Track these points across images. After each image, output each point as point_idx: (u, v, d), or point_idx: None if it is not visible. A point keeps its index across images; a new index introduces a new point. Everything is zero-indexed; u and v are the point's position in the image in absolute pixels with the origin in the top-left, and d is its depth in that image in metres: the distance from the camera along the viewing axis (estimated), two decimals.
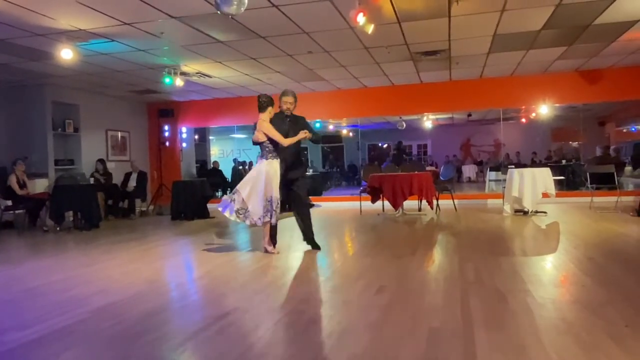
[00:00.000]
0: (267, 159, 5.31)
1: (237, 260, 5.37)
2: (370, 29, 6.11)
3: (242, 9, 4.82)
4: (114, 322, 3.16)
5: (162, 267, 5.28)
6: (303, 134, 5.26)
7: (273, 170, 5.29)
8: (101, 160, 10.57)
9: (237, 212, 5.28)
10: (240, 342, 2.74)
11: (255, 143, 5.43)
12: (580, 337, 2.60)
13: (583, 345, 2.49)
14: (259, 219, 5.27)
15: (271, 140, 5.29)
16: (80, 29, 6.44)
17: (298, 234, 5.76)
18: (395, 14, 6.28)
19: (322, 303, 3.55)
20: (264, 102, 5.38)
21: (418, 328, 2.84)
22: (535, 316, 2.99)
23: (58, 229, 8.45)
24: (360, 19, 5.73)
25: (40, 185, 9.41)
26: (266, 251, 5.46)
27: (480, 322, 2.87)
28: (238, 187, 5.37)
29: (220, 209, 5.49)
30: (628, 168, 12.67)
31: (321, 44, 7.58)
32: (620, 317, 2.92)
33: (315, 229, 5.68)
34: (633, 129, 15.64)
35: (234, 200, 5.33)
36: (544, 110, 11.10)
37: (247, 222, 5.36)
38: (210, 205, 10.18)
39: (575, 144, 15.20)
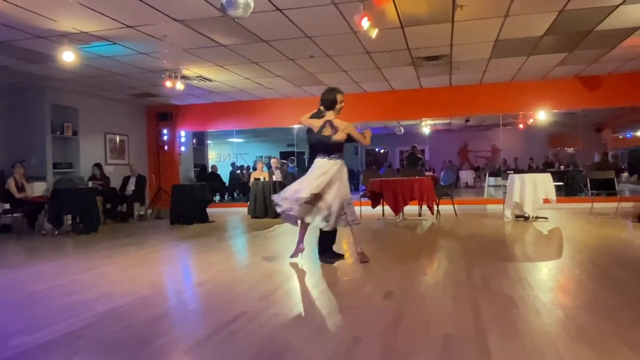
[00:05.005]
0: (339, 160, 4.96)
1: (239, 265, 5.33)
2: (374, 33, 6.11)
3: (248, 13, 4.81)
4: (122, 327, 3.12)
5: (164, 271, 5.24)
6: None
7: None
8: (98, 165, 10.48)
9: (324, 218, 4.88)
10: (250, 348, 2.70)
11: (337, 144, 4.96)
12: (595, 344, 2.58)
13: (599, 352, 2.47)
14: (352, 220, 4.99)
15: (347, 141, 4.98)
16: (83, 32, 6.41)
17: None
18: (399, 18, 6.29)
19: (331, 308, 3.52)
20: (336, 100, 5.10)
21: (432, 334, 2.81)
22: (547, 322, 2.98)
23: (56, 232, 8.38)
24: (365, 23, 5.74)
25: (38, 189, 9.33)
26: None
27: (493, 328, 2.85)
28: (318, 191, 4.82)
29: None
30: (624, 174, 12.76)
31: (323, 48, 7.58)
32: (631, 322, 2.91)
33: (316, 235, 5.50)
34: (629, 135, 15.76)
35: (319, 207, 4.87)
36: (542, 116, 11.16)
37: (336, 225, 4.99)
38: (209, 210, 10.15)
39: (571, 149, 15.27)
